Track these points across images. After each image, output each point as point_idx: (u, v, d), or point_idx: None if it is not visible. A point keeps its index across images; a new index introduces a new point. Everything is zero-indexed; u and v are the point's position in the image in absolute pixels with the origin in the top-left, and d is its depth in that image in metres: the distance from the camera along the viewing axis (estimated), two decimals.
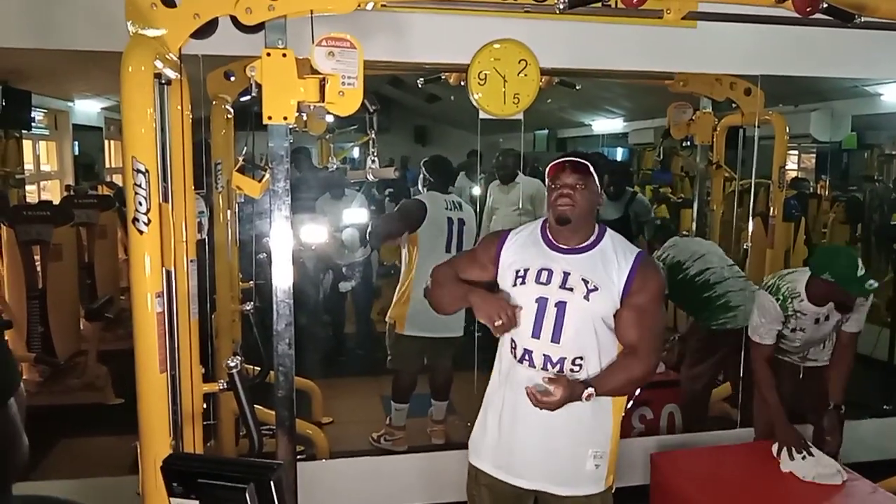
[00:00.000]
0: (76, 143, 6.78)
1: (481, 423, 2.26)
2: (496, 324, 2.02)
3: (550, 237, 2.16)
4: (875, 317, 4.96)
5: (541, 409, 1.99)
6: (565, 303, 2.07)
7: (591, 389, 2.01)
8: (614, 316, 2.11)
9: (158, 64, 1.78)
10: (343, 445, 3.92)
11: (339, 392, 4.66)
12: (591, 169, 2.07)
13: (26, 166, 5.96)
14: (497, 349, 2.26)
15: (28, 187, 6.09)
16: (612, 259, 2.11)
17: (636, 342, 2.10)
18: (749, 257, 4.20)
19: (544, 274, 2.10)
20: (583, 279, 2.08)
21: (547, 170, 2.13)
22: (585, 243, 2.14)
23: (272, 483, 1.01)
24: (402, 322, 3.95)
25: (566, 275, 2.09)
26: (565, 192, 2.06)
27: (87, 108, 6.63)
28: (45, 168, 6.55)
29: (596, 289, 2.07)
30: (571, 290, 2.08)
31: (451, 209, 4.00)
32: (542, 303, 2.08)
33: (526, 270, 2.12)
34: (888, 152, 7.03)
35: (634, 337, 2.10)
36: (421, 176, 4.12)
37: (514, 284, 2.13)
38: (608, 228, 2.20)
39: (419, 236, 3.94)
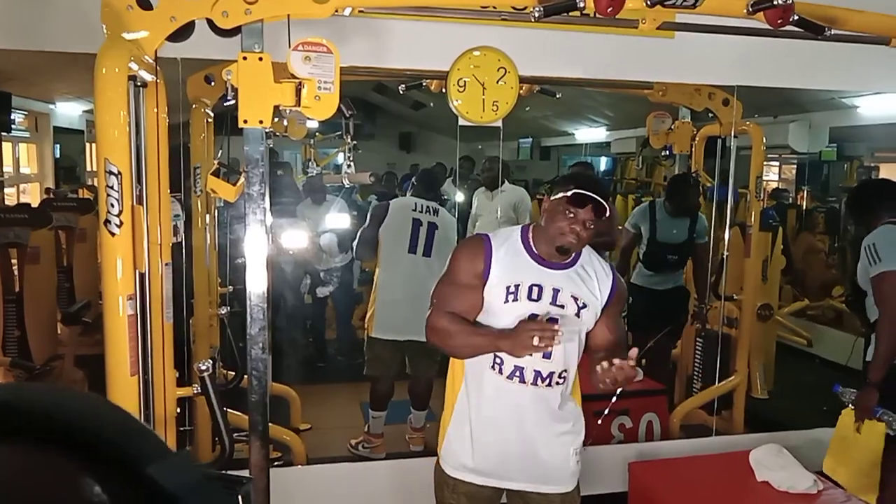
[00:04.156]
0: (57, 145, 6.73)
1: (459, 433, 2.22)
2: (539, 344, 1.93)
3: (535, 250, 2.14)
4: (851, 326, 5.02)
5: (616, 386, 1.96)
6: (556, 319, 2.08)
7: None
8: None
9: (134, 66, 1.78)
10: (321, 452, 3.90)
11: (318, 398, 4.63)
12: (608, 212, 2.05)
13: (5, 168, 5.91)
14: (450, 363, 2.26)
15: (7, 190, 6.04)
16: (593, 274, 2.17)
17: (613, 344, 2.18)
18: (726, 266, 4.24)
19: (535, 290, 2.10)
20: (573, 296, 2.11)
21: (569, 192, 2.02)
22: (569, 259, 2.15)
23: (240, 497, 1.01)
24: (371, 324, 3.96)
25: (556, 291, 2.10)
26: (578, 228, 2.03)
27: (69, 111, 6.59)
28: (24, 171, 6.51)
29: (585, 306, 2.12)
30: (563, 307, 2.10)
31: (420, 211, 3.98)
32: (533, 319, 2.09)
33: (517, 286, 2.10)
34: (867, 164, 7.14)
35: (612, 339, 2.19)
36: (409, 184, 4.20)
37: (506, 301, 2.10)
38: None
39: (381, 235, 3.95)
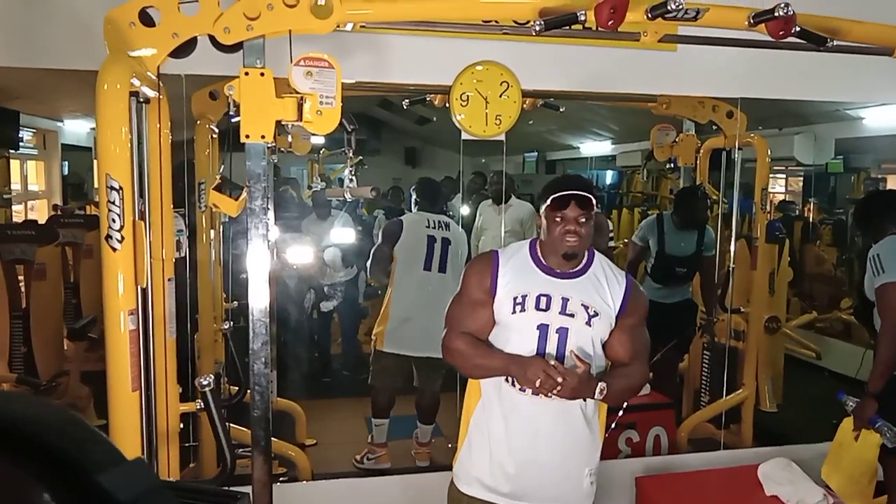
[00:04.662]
0: (65, 162, 6.77)
1: (475, 451, 2.21)
2: (539, 387, 1.97)
3: (543, 261, 2.15)
4: (860, 339, 5.00)
5: (554, 395, 1.97)
6: (567, 329, 2.08)
7: (603, 384, 2.02)
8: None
9: (136, 82, 1.79)
10: (326, 467, 3.88)
11: (323, 414, 4.62)
12: (594, 201, 2.07)
13: (13, 186, 5.95)
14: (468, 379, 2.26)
15: (15, 207, 6.08)
16: (605, 282, 2.15)
17: (630, 359, 2.16)
18: (732, 278, 4.22)
19: (543, 300, 2.09)
20: (583, 304, 2.10)
21: (548, 200, 2.06)
22: (579, 267, 2.15)
23: None
24: (381, 339, 3.95)
25: (565, 300, 2.09)
26: (572, 228, 2.04)
27: (77, 129, 6.62)
28: (32, 188, 6.54)
29: (597, 314, 2.10)
30: (573, 315, 2.09)
31: (434, 227, 4.00)
32: (543, 329, 2.08)
33: (524, 297, 2.10)
34: (874, 176, 7.11)
35: (629, 354, 2.16)
36: (413, 198, 4.18)
37: (514, 312, 2.10)
38: (594, 250, 2.21)
39: (397, 253, 3.96)
